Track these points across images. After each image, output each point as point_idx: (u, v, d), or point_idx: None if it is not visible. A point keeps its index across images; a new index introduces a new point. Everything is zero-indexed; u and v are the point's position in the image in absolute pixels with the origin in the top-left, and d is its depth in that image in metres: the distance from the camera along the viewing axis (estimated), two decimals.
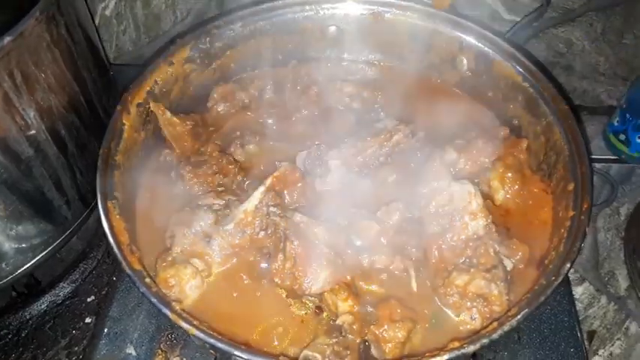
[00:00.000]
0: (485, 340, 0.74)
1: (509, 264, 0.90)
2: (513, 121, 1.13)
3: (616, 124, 1.43)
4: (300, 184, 1.00)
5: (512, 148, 1.03)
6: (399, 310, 0.85)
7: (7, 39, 0.77)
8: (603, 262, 1.40)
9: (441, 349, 0.74)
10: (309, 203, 0.98)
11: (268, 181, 0.98)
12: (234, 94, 1.16)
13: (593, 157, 1.43)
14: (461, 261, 0.90)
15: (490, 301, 0.85)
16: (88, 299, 1.12)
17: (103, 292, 1.12)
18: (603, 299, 1.36)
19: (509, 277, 0.89)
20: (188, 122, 1.09)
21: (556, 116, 1.02)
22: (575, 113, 1.01)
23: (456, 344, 0.75)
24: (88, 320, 1.09)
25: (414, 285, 0.90)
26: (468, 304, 0.86)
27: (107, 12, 1.55)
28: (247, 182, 1.04)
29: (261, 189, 0.97)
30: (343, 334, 0.83)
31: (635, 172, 1.46)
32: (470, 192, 0.92)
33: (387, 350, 0.84)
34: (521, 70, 1.09)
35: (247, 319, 0.88)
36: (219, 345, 0.74)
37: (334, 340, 0.82)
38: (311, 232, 0.90)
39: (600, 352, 1.24)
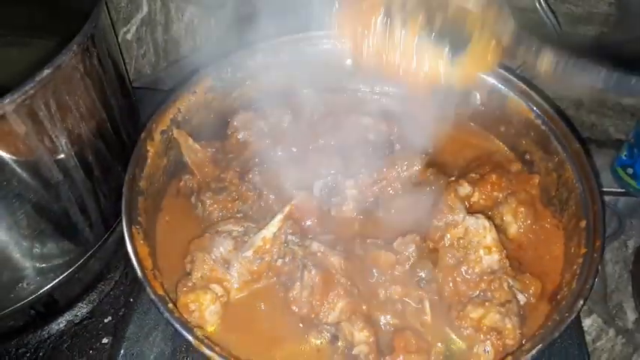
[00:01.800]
0: None
1: (522, 298, 0.92)
2: (525, 156, 1.16)
3: (624, 158, 1.45)
4: (316, 213, 1.03)
5: (524, 183, 1.06)
6: (414, 342, 0.86)
7: (46, 72, 0.80)
8: (611, 295, 1.41)
9: None
10: (325, 232, 1.01)
11: (286, 209, 1.00)
12: (253, 122, 1.19)
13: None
14: (475, 294, 0.92)
15: (504, 334, 0.87)
16: (105, 320, 1.13)
17: (120, 313, 1.13)
18: (611, 332, 1.37)
19: (522, 312, 0.91)
20: (209, 149, 1.12)
21: (568, 154, 1.04)
22: (584, 148, 1.04)
23: None
24: (105, 341, 1.10)
25: (428, 316, 0.92)
26: (482, 337, 0.88)
27: (128, 36, 1.60)
28: (265, 209, 1.06)
29: (279, 217, 0.99)
30: None
31: None
32: (485, 226, 0.95)
33: None
34: (533, 107, 1.12)
35: (264, 347, 0.90)
36: None
37: None
38: (328, 262, 0.93)
39: None
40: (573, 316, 0.81)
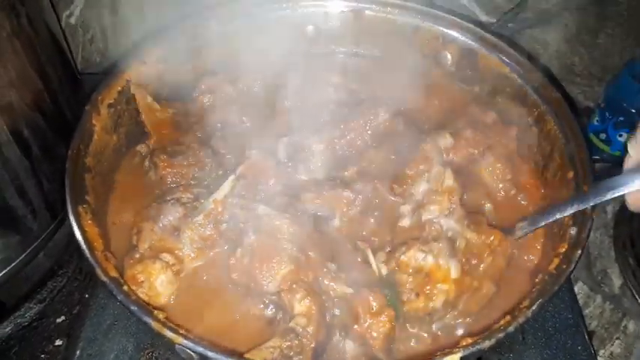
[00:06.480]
0: (500, 335, 0.68)
1: (462, 242, 0.83)
2: (502, 115, 1.10)
3: (596, 123, 1.42)
4: (274, 173, 0.95)
5: (501, 136, 1.00)
6: (371, 298, 0.78)
7: None
8: (595, 261, 1.38)
9: (454, 347, 0.68)
10: (288, 193, 0.93)
11: (238, 170, 0.93)
12: (221, 86, 1.11)
13: None
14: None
15: (432, 277, 0.80)
16: (58, 320, 1.02)
17: (75, 312, 1.02)
18: (598, 299, 1.33)
19: (462, 257, 0.82)
20: (170, 110, 1.04)
21: (548, 105, 1.00)
22: (564, 96, 0.99)
23: (469, 340, 0.69)
24: (58, 343, 1.00)
25: (375, 268, 0.84)
26: (410, 279, 0.81)
27: (72, 20, 1.48)
28: (223, 177, 0.97)
29: (231, 177, 0.92)
30: (299, 337, 0.76)
31: (617, 171, 1.45)
32: (439, 171, 0.89)
33: (376, 346, 0.78)
34: (507, 60, 1.07)
35: (214, 319, 0.82)
36: (210, 354, 0.66)
37: (286, 344, 0.75)
38: (274, 226, 0.84)
39: (601, 352, 1.20)
40: (573, 267, 0.75)
